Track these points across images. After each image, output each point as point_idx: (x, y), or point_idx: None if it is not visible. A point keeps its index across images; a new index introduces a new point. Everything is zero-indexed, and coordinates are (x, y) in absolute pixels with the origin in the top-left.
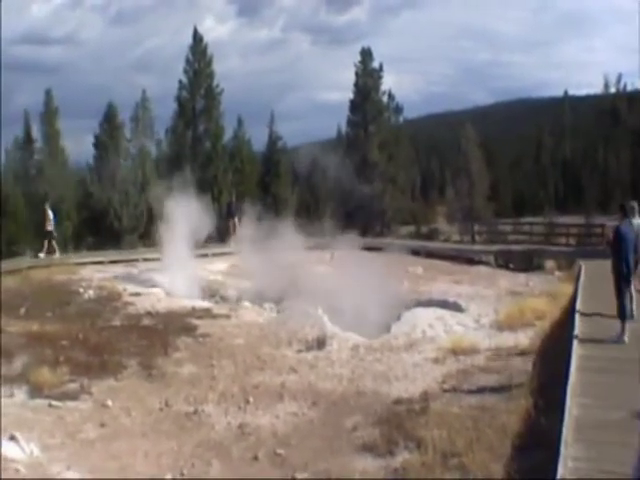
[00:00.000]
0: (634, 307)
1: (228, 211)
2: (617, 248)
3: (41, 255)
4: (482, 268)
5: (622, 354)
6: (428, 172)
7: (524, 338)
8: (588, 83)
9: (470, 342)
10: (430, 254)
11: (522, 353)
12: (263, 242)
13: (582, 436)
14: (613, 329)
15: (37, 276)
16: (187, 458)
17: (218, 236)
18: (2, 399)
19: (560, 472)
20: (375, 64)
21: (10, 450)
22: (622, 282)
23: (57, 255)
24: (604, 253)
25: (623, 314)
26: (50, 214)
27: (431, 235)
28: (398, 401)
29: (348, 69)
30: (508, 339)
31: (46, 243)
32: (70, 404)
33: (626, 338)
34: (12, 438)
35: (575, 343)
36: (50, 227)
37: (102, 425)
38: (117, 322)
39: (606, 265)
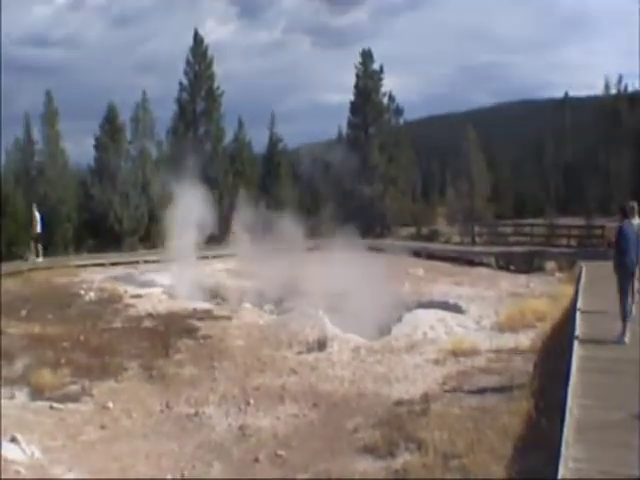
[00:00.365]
0: (633, 307)
1: (228, 213)
2: (620, 246)
3: (38, 260)
4: (483, 269)
5: (623, 355)
6: (429, 174)
7: (525, 339)
8: (589, 84)
9: (471, 343)
10: (431, 255)
11: (523, 354)
12: (264, 243)
13: (583, 437)
14: (614, 330)
15: (38, 278)
16: (188, 459)
17: (219, 237)
18: (3, 401)
19: (561, 472)
20: (375, 66)
21: (11, 452)
22: (625, 281)
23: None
24: (605, 254)
25: (625, 314)
26: (37, 216)
27: (431, 236)
28: (399, 402)
29: (349, 71)
30: (509, 340)
31: (39, 246)
32: (71, 406)
33: (627, 339)
34: (13, 440)
35: (576, 344)
36: (38, 229)
37: (103, 427)
38: (118, 324)
39: (607, 266)
